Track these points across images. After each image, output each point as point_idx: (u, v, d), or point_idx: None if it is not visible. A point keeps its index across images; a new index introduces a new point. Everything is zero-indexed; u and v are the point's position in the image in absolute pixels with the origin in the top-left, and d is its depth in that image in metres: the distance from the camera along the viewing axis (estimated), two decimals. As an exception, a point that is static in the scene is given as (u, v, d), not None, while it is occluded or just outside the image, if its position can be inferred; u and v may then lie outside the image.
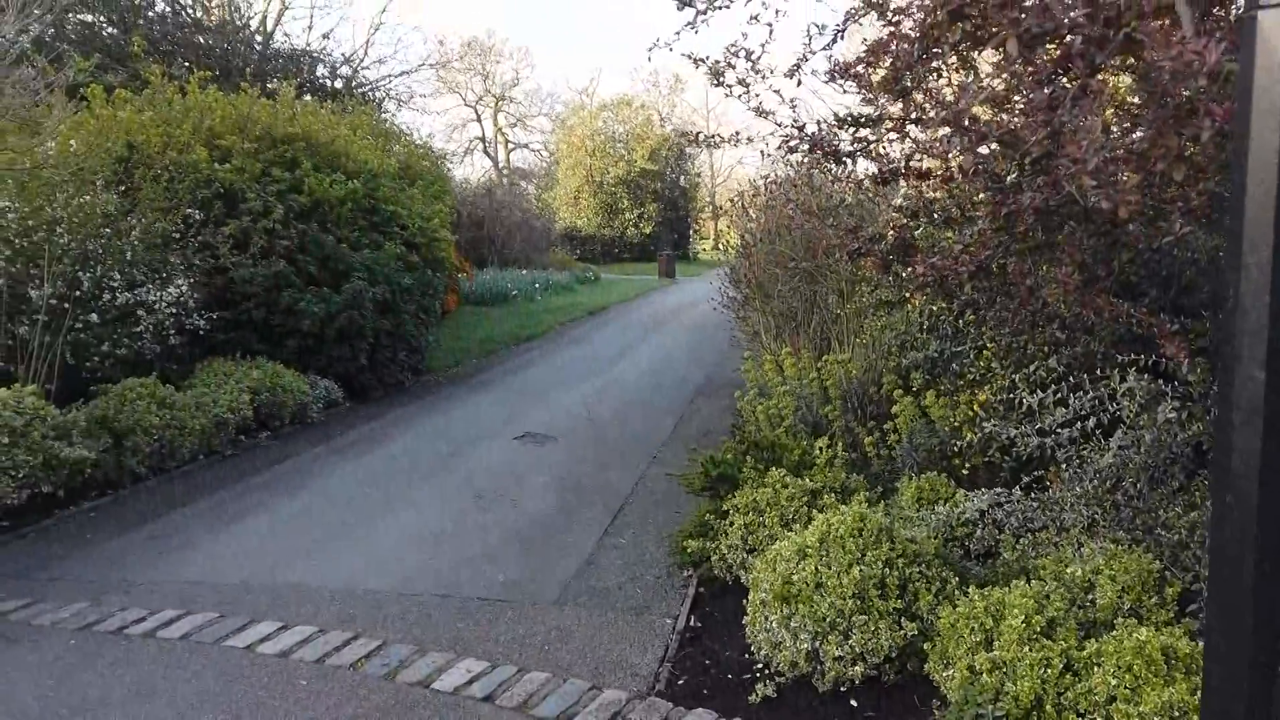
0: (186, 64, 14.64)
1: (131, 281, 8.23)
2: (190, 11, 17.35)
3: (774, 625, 3.91)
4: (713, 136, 5.30)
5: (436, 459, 8.10)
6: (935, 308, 6.36)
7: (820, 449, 6.06)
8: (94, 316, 7.84)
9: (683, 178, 46.40)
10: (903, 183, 4.67)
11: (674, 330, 17.57)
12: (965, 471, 5.62)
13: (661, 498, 6.73)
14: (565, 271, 26.39)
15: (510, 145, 65.79)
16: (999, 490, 4.81)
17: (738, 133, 5.19)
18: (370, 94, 19.24)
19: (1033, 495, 4.67)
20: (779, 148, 4.77)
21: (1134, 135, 3.45)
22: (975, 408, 5.69)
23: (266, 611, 4.80)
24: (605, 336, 16.53)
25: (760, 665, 4.04)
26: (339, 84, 18.71)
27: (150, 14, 16.29)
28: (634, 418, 9.83)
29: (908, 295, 6.06)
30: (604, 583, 5.18)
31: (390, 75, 21.88)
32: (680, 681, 4.09)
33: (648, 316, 20.09)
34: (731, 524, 5.03)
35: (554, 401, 10.66)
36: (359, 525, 6.25)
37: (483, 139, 66.14)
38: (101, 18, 15.49)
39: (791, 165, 8.00)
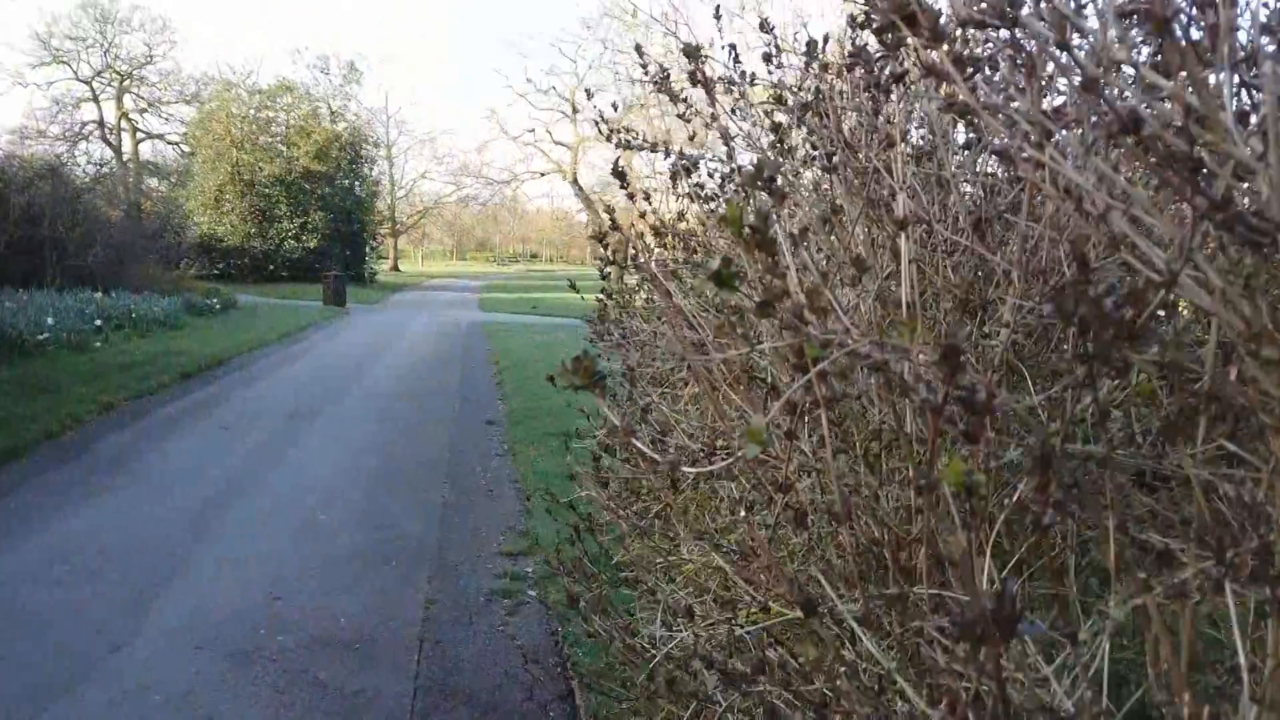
0: None
1: None
2: None
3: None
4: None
5: None
6: None
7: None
8: None
9: (358, 185, 38.91)
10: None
11: (344, 425, 11.03)
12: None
13: None
14: (178, 296, 18.28)
15: (140, 134, 54.02)
16: None
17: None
18: None
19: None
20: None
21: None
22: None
23: None
24: (184, 454, 9.25)
25: None
26: None
27: None
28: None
29: None
30: None
31: None
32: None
33: (298, 388, 13.25)
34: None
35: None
36: None
37: (101, 123, 53.70)
38: None
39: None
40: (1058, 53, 0.68)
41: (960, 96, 0.77)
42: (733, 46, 2.53)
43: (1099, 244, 1.15)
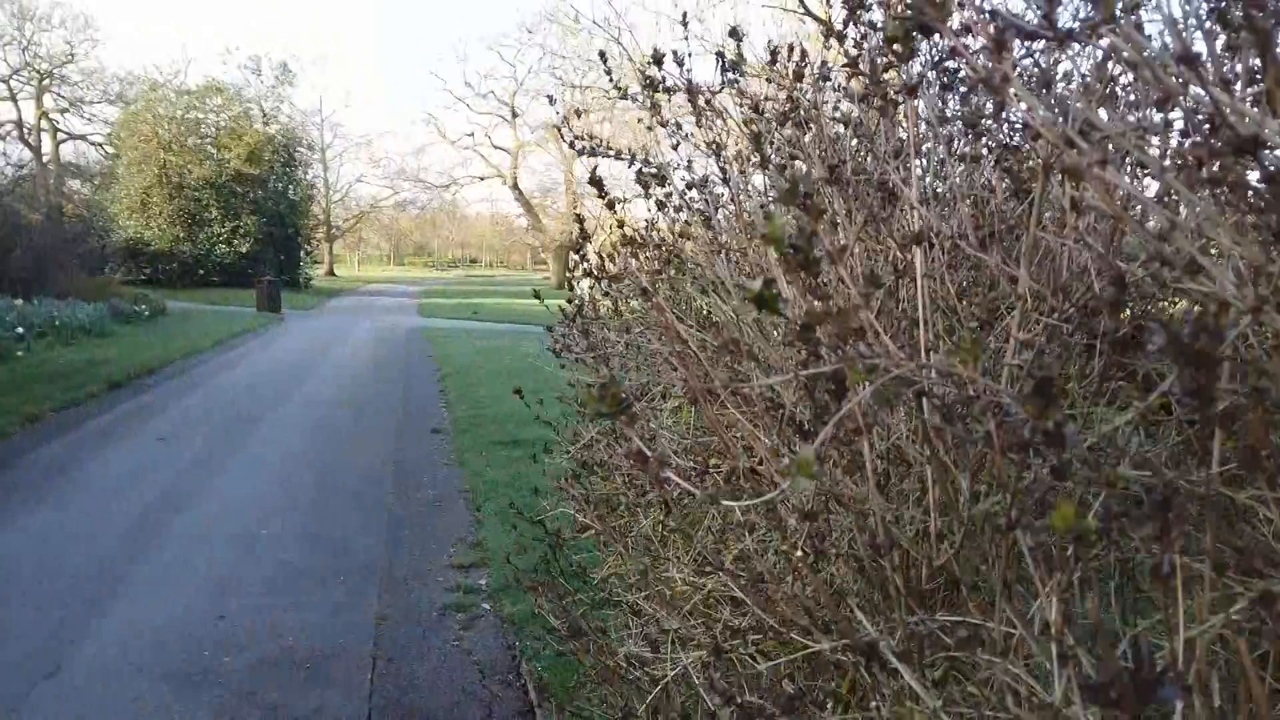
0: None
1: None
2: None
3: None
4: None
5: None
6: None
7: None
8: None
9: (291, 188, 38.07)
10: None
11: (285, 436, 10.76)
12: None
13: None
14: (104, 303, 17.60)
15: (61, 135, 52.13)
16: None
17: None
18: None
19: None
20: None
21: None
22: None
23: None
24: (117, 469, 9.14)
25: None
26: None
27: None
28: None
29: None
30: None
31: None
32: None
33: (235, 397, 12.90)
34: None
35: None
36: None
37: (19, 123, 51.72)
38: None
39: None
40: (1151, 70, 0.65)
41: (1011, 107, 0.74)
42: (676, 54, 2.50)
43: (1108, 259, 1.13)
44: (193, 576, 5.30)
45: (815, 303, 0.73)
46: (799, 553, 1.16)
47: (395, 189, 56.98)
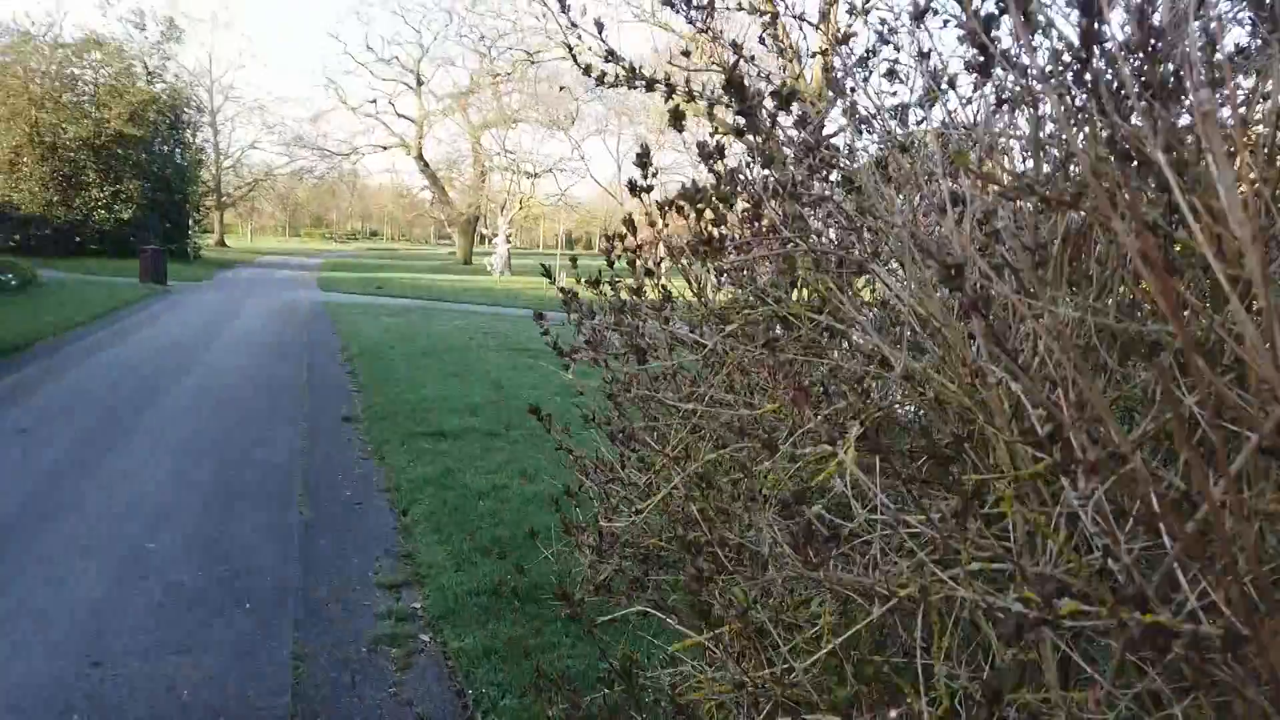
0: None
1: None
2: None
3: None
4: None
5: None
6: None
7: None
8: None
9: (179, 152, 35.64)
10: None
11: (174, 426, 9.63)
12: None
13: None
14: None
15: (-83, 86, 47.70)
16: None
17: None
18: None
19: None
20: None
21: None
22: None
23: None
24: None
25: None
26: None
27: None
28: None
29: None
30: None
31: None
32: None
33: (116, 380, 11.62)
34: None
35: None
36: None
37: None
38: None
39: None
40: None
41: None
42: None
43: None
44: (59, 610, 4.36)
45: None
46: None
47: (291, 156, 54.10)
